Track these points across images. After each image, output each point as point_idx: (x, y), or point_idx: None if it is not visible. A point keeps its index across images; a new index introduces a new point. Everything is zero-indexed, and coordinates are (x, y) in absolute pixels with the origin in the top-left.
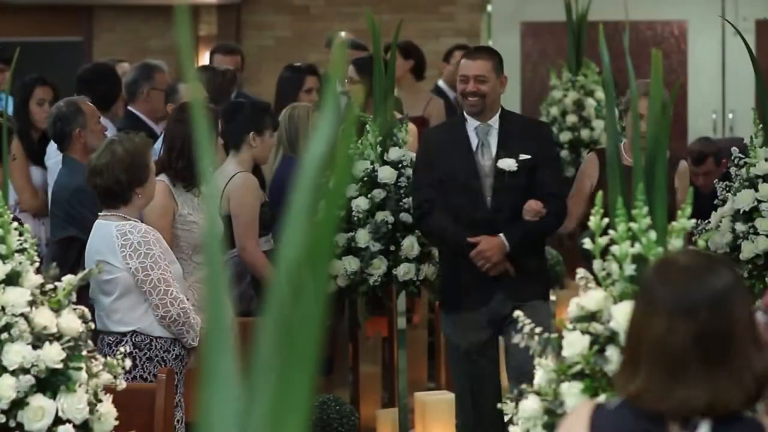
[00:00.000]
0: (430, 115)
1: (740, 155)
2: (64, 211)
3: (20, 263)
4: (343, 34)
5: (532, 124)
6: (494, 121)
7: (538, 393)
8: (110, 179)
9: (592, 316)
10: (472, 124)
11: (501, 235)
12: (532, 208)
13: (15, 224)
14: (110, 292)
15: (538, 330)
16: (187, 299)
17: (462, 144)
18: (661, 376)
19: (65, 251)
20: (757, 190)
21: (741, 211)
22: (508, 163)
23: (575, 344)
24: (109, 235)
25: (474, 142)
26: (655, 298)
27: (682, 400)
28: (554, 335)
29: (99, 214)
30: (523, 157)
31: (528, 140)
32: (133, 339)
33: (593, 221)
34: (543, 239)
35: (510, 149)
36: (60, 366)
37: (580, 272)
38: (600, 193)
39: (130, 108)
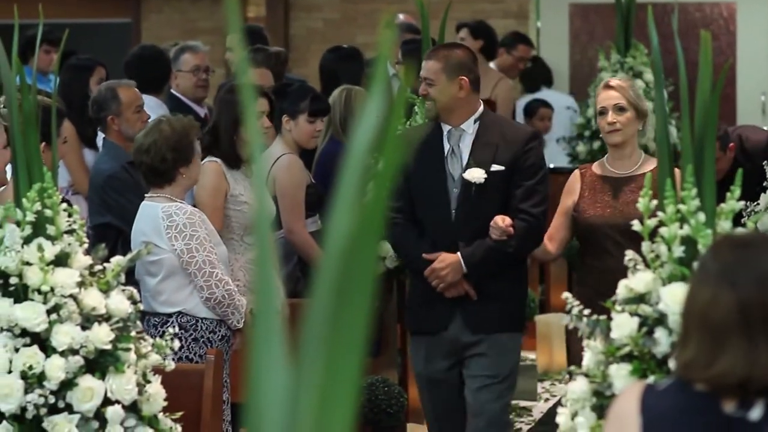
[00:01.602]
0: (497, 96)
1: None
2: (100, 197)
3: (69, 244)
4: (401, 16)
5: (513, 131)
6: (468, 126)
7: (586, 375)
8: (156, 157)
9: (640, 298)
10: (445, 128)
11: (459, 253)
12: (498, 225)
13: (64, 205)
14: (155, 273)
15: (495, 373)
16: (238, 280)
17: (434, 149)
18: (706, 346)
19: (101, 238)
20: None
21: None
22: (475, 174)
23: (624, 326)
24: (155, 217)
25: (446, 148)
26: (705, 270)
27: (722, 370)
28: (603, 317)
29: (145, 195)
30: (495, 168)
31: (505, 149)
32: (179, 320)
33: (642, 203)
34: (516, 262)
35: (482, 158)
36: (109, 347)
37: (629, 254)
38: (649, 174)
39: (171, 90)
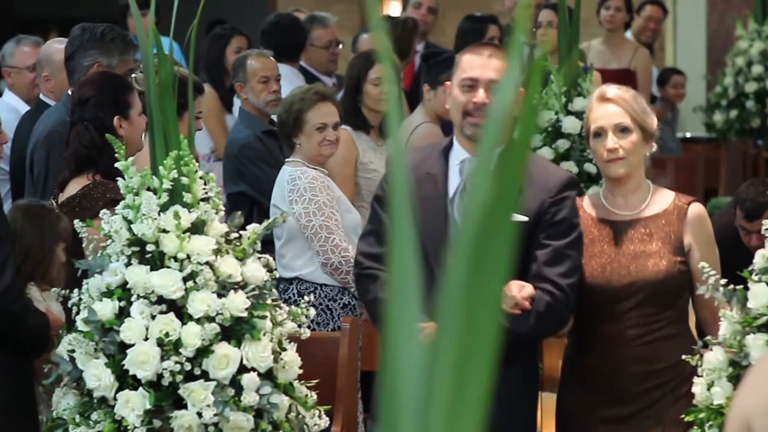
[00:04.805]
0: (636, 67)
1: None
2: (234, 166)
3: (205, 212)
4: None
5: (544, 173)
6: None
7: (722, 344)
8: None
9: None
10: (458, 155)
11: None
12: (512, 294)
13: (200, 173)
14: (279, 236)
15: None
16: None
17: (437, 183)
18: None
19: (235, 206)
20: None
21: None
22: None
23: (761, 296)
24: (282, 180)
25: (453, 182)
26: None
27: None
28: (740, 287)
29: (286, 160)
30: (517, 217)
31: (532, 194)
32: (298, 287)
33: None
34: (527, 344)
35: None
36: (245, 314)
37: (766, 223)
38: None
39: (300, 62)
